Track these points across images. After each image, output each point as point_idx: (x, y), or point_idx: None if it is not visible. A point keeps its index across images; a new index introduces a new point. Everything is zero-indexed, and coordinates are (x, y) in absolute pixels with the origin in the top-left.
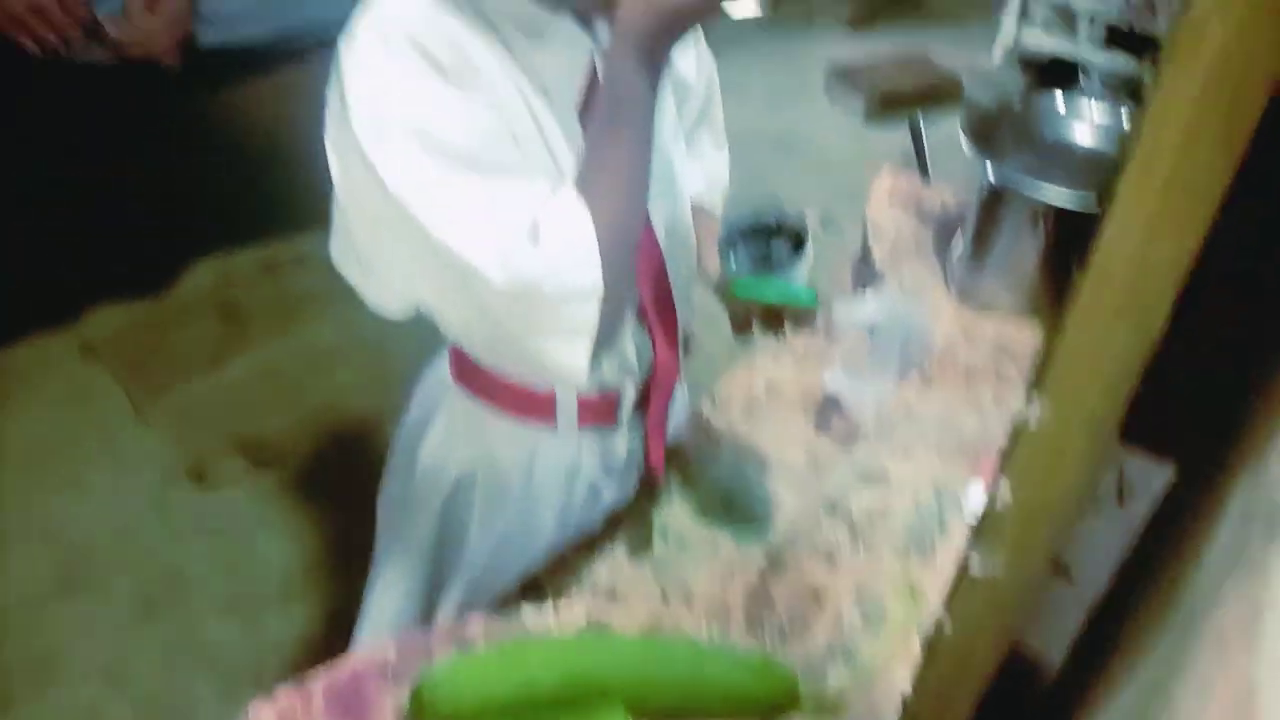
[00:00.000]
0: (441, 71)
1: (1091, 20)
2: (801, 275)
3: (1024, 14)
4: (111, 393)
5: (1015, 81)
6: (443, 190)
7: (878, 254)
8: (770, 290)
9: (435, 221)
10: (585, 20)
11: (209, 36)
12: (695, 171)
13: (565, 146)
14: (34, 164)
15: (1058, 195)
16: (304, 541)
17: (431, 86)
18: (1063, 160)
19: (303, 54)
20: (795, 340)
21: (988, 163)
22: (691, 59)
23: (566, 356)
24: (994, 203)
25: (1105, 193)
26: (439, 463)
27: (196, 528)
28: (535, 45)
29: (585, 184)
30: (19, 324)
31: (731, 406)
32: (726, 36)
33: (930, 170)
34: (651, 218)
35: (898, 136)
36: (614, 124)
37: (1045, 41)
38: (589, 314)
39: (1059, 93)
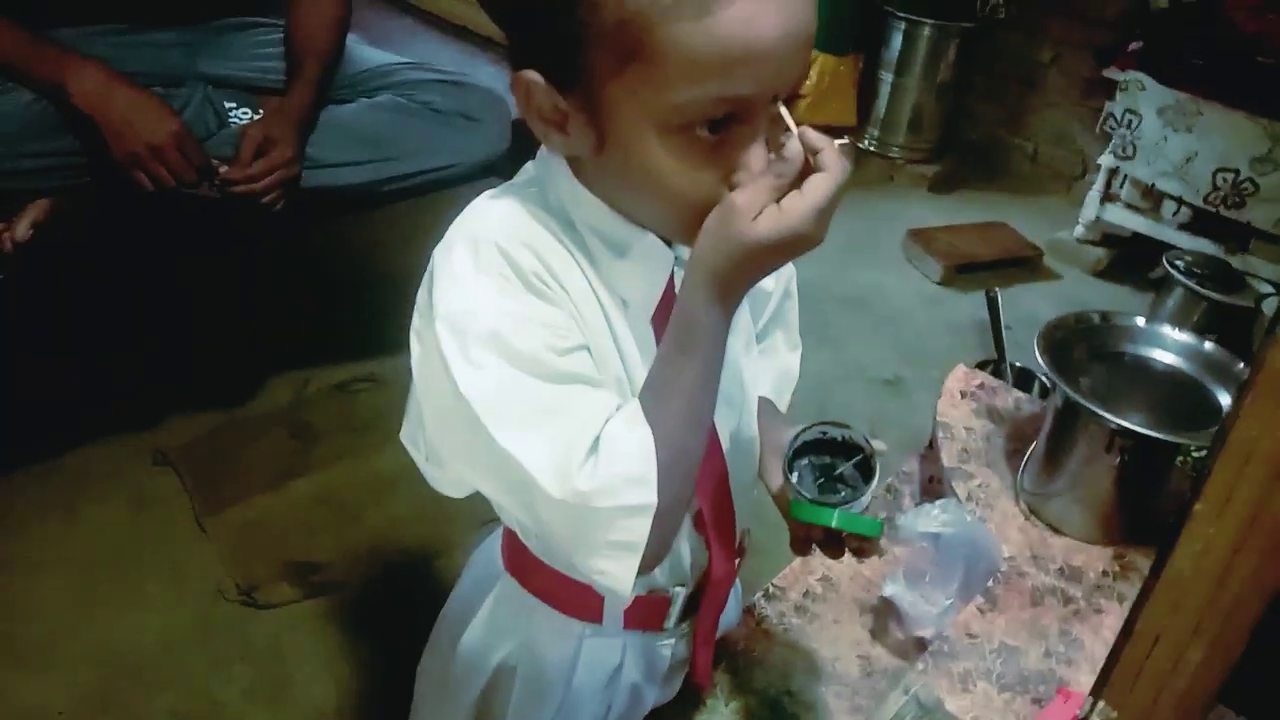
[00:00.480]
0: (525, 281)
1: (1178, 203)
2: (866, 503)
3: (1109, 191)
4: (177, 503)
5: (1095, 256)
6: (510, 397)
7: (946, 458)
8: (832, 518)
9: (499, 427)
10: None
11: (311, 180)
12: (765, 371)
13: (639, 357)
14: (127, 279)
15: (1133, 421)
16: (344, 678)
17: (513, 295)
18: (1141, 383)
19: (392, 200)
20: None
21: (1061, 384)
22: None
23: (613, 569)
24: (1067, 421)
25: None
26: (481, 649)
27: (240, 653)
28: (617, 257)
29: (649, 404)
30: (98, 427)
31: (786, 599)
32: None
33: (1005, 344)
34: (717, 426)
35: (973, 302)
36: (682, 351)
37: (1129, 219)
38: (640, 531)
39: (1139, 318)
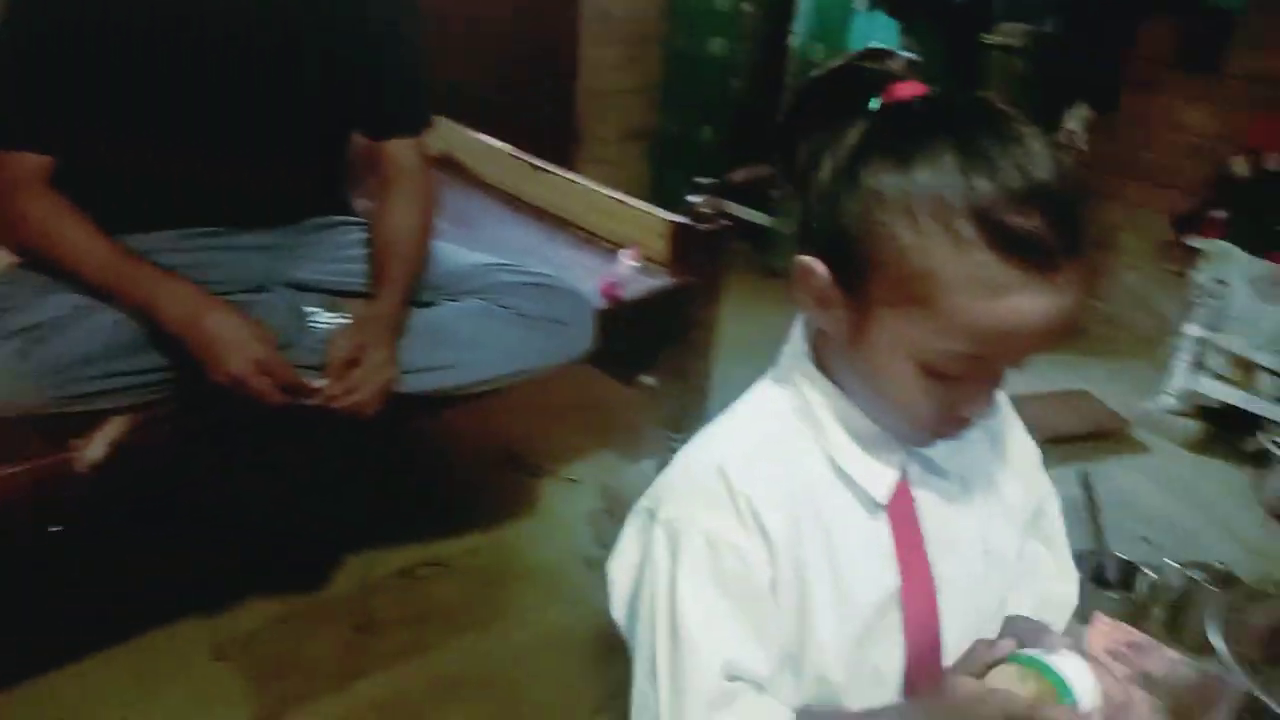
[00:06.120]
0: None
1: (1274, 375)
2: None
3: (1197, 360)
4: (235, 702)
5: (1186, 428)
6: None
7: None
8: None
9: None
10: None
11: (405, 385)
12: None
13: (859, 552)
14: (201, 480)
15: None
16: None
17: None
18: None
19: (474, 398)
20: None
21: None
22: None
23: None
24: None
25: None
26: None
27: None
28: (854, 442)
29: None
30: (159, 613)
31: None
32: None
33: (1103, 529)
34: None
35: (1061, 478)
36: None
37: (1221, 391)
38: None
39: None
